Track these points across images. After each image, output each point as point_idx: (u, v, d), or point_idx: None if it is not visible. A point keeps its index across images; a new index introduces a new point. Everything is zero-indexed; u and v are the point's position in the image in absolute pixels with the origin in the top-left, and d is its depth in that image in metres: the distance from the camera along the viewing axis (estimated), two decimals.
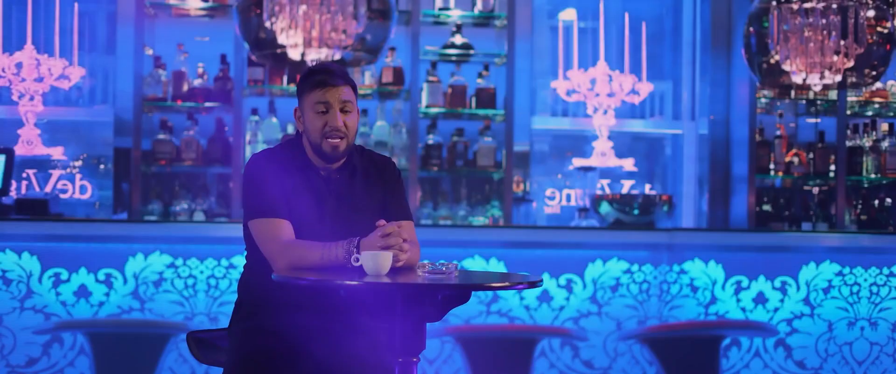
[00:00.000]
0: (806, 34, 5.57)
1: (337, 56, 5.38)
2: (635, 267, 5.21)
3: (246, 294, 3.37)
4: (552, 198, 7.05)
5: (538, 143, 6.98)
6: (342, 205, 3.31)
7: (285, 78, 6.43)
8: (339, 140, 3.26)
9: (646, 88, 6.34)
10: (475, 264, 5.11)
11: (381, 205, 3.36)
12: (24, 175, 6.55)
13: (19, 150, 6.01)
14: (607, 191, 6.85)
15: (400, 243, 3.05)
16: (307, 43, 5.29)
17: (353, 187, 3.34)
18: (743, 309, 5.26)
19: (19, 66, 6.01)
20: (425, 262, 3.04)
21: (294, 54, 5.38)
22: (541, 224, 6.66)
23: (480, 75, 6.60)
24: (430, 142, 6.54)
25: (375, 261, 2.99)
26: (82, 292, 4.99)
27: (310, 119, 3.28)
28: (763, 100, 6.75)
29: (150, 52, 6.56)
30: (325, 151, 3.28)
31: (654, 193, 7.02)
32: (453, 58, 6.67)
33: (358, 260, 3.03)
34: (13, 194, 5.84)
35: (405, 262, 3.12)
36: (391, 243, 3.04)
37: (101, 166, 6.73)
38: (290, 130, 6.38)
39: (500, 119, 6.58)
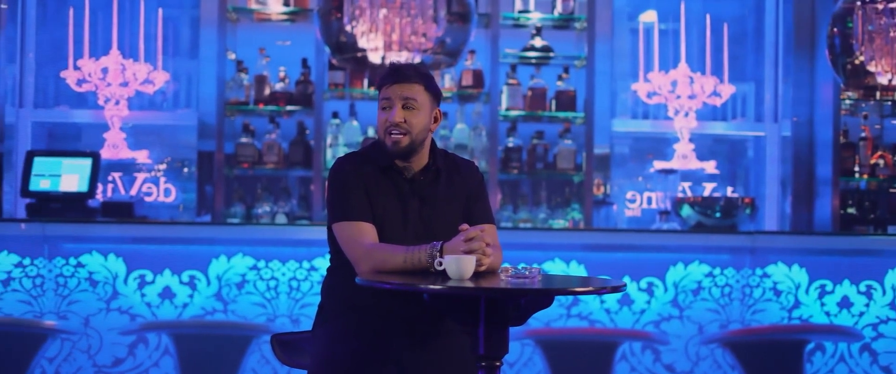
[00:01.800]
0: (892, 34, 5.48)
1: (417, 59, 5.35)
2: (717, 270, 5.12)
3: (329, 297, 3.37)
4: (633, 201, 6.95)
5: (619, 145, 6.87)
6: (425, 208, 3.29)
7: (365, 81, 6.42)
8: (398, 136, 3.24)
9: (727, 89, 6.27)
10: (555, 266, 5.06)
11: (464, 209, 3.34)
12: (110, 178, 6.59)
13: (105, 153, 6.08)
14: (689, 193, 6.78)
15: (483, 248, 3.04)
16: (387, 46, 5.29)
17: (436, 191, 3.31)
18: (827, 313, 5.15)
19: (105, 71, 6.06)
20: (508, 266, 3.01)
21: (374, 58, 5.37)
22: (621, 227, 6.57)
23: (560, 78, 6.53)
24: (510, 144, 6.48)
25: (459, 265, 2.97)
26: (167, 293, 5.04)
27: (377, 116, 3.30)
28: (847, 101, 6.61)
29: (232, 56, 6.58)
30: (387, 147, 3.27)
31: (736, 195, 6.92)
32: (533, 60, 6.61)
33: (441, 264, 3.02)
34: (99, 196, 6.04)
35: (488, 266, 3.09)
36: (474, 247, 3.02)
37: (185, 169, 6.76)
38: (372, 133, 6.36)
39: (580, 122, 6.51)
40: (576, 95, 6.53)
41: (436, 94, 3.31)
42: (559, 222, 6.44)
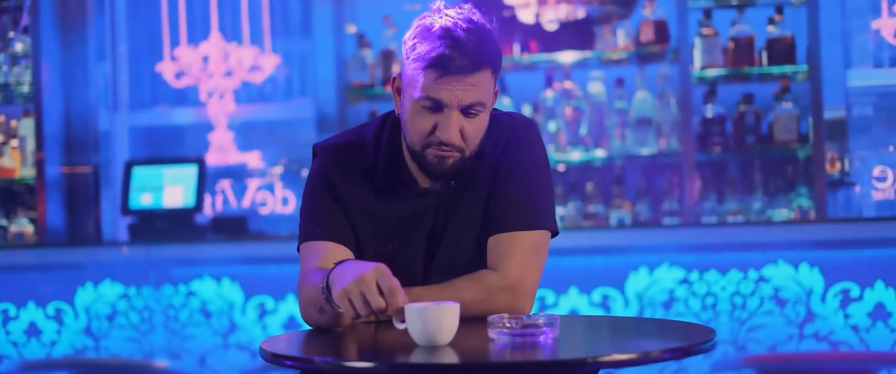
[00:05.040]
0: None
1: (580, 14, 5.29)
2: None
3: None
4: (882, 179, 6.31)
5: (858, 105, 6.27)
6: (448, 220, 2.61)
7: (517, 47, 6.01)
8: (449, 153, 2.47)
9: None
10: (779, 271, 4.83)
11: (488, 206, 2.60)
12: (219, 188, 6.55)
13: (211, 158, 6.15)
14: None
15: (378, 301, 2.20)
16: (542, 1, 5.27)
17: (455, 197, 2.61)
18: None
19: (206, 60, 6.16)
20: (504, 316, 2.21)
21: (526, 17, 5.36)
22: (868, 215, 6.05)
23: (772, 21, 5.93)
24: (710, 115, 5.93)
25: (423, 321, 2.16)
26: (292, 324, 5.06)
27: (411, 112, 2.48)
28: None
29: (352, 29, 6.34)
30: (428, 163, 2.50)
31: None
32: (733, 2, 6.09)
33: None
34: (207, 211, 6.13)
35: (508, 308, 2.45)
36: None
37: (304, 172, 6.73)
38: (528, 111, 5.97)
39: (803, 77, 5.92)
40: (795, 41, 5.94)
41: (500, 65, 2.56)
42: (781, 213, 5.93)
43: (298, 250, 2.62)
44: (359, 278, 2.15)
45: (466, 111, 2.44)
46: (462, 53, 2.39)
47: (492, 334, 2.15)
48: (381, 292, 2.16)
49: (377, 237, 2.57)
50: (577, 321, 2.62)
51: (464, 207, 2.58)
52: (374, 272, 2.15)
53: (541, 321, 2.15)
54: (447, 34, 2.40)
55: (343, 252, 2.50)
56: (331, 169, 2.60)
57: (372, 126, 2.65)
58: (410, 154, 2.55)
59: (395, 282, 2.15)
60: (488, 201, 2.57)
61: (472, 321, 2.31)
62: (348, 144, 2.65)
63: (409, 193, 2.60)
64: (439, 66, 2.39)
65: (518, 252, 2.49)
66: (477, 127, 2.48)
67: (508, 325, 2.15)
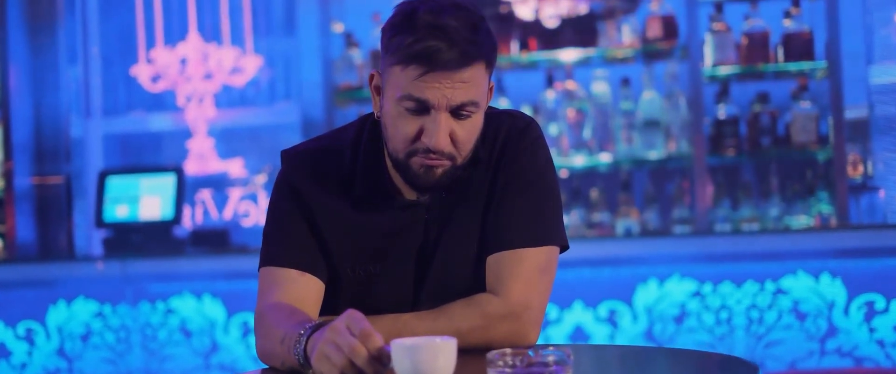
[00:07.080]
0: None
1: (582, 9, 5.38)
2: None
3: None
4: None
5: (881, 103, 6.20)
6: (440, 236, 2.40)
7: (515, 45, 5.94)
8: (438, 162, 2.24)
9: None
10: (798, 282, 4.80)
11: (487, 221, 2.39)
12: (199, 198, 6.53)
13: (190, 166, 6.21)
14: None
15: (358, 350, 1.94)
16: None
17: (449, 211, 2.40)
18: None
19: (184, 62, 6.22)
20: (505, 352, 1.93)
21: (524, 13, 5.48)
22: (892, 222, 5.98)
23: (788, 15, 5.87)
24: (722, 115, 5.87)
25: (413, 361, 1.91)
26: None
27: (392, 114, 2.25)
28: None
29: (339, 28, 6.26)
30: (414, 173, 2.27)
31: None
32: None
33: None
34: (187, 223, 6.15)
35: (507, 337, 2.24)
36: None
37: None
38: (527, 113, 5.83)
39: (822, 75, 5.86)
40: (813, 36, 5.88)
41: (495, 58, 2.32)
42: (800, 220, 5.89)
43: (259, 270, 2.41)
44: (329, 329, 1.96)
45: (457, 112, 2.23)
46: (450, 44, 2.17)
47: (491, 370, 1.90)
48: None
49: (356, 258, 2.36)
50: (584, 352, 2.39)
51: (458, 221, 2.37)
52: (345, 318, 1.96)
53: (550, 358, 1.89)
54: (432, 22, 2.18)
55: (309, 283, 2.32)
56: (299, 178, 2.37)
57: (350, 129, 2.42)
58: (393, 163, 2.34)
59: (368, 325, 1.94)
60: (486, 214, 2.36)
61: (470, 353, 2.10)
62: (321, 150, 2.42)
63: (393, 205, 2.38)
64: (424, 60, 2.17)
65: (522, 273, 2.30)
66: (470, 130, 2.27)
67: (511, 363, 1.89)
